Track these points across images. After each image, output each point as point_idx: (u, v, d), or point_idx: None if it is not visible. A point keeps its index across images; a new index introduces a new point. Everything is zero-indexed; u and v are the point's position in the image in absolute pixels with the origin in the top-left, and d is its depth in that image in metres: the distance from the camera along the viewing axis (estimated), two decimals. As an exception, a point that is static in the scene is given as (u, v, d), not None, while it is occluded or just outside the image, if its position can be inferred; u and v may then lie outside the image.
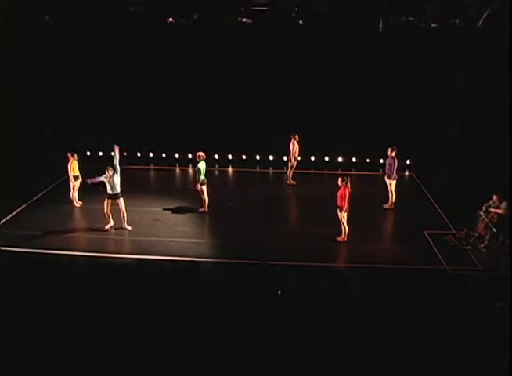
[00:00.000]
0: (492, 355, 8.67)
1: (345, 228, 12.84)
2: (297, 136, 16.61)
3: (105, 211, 13.38)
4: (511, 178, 12.98)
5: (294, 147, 16.68)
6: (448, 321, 9.65)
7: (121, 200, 13.39)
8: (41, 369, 8.42)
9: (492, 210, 12.47)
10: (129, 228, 13.58)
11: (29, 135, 17.98)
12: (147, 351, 8.75)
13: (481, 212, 12.70)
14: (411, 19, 15.90)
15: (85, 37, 17.76)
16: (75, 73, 18.38)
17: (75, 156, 14.89)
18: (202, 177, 14.33)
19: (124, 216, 13.49)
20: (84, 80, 18.40)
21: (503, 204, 12.30)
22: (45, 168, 17.23)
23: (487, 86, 16.06)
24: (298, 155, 16.93)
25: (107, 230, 13.50)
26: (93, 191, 14.60)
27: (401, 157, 15.48)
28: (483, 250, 12.53)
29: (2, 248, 12.28)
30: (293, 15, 16.35)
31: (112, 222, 13.58)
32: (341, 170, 17.94)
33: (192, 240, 13.13)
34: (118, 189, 13.30)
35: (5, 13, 16.36)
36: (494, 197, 12.46)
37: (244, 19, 16.50)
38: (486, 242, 12.61)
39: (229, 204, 15.37)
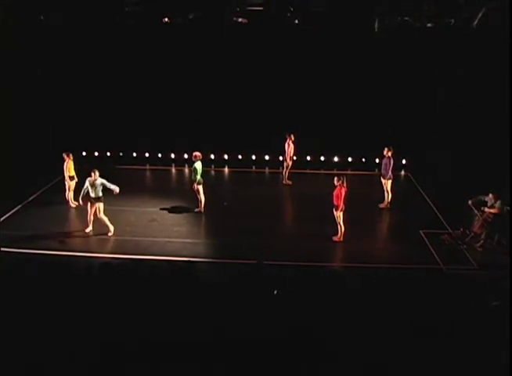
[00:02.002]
0: (490, 354, 8.69)
1: (341, 227, 12.85)
2: (292, 136, 16.63)
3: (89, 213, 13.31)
4: (511, 178, 12.99)
5: (290, 147, 16.69)
6: (445, 320, 9.66)
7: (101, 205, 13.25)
8: (40, 369, 8.40)
9: (486, 210, 12.51)
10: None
11: (26, 135, 17.97)
12: (144, 351, 8.74)
13: (471, 205, 12.71)
14: (406, 19, 15.94)
15: (82, 38, 17.75)
16: (72, 73, 18.35)
17: (71, 156, 14.83)
18: (198, 177, 14.33)
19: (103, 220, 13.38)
20: (81, 80, 18.38)
21: (497, 203, 12.34)
22: (43, 168, 17.16)
23: (484, 85, 16.11)
24: (294, 155, 16.95)
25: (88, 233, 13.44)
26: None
27: (396, 157, 15.51)
28: (479, 249, 12.57)
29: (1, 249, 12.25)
30: (289, 15, 16.34)
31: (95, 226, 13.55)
32: (337, 170, 17.97)
33: (189, 240, 13.13)
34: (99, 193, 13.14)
35: (5, 13, 16.33)
36: (490, 195, 12.50)
37: (240, 19, 16.51)
38: (482, 241, 12.65)
39: (225, 203, 15.37)
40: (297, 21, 17.01)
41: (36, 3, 16.55)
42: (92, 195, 13.05)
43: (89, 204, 13.19)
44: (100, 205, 13.13)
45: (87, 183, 13.05)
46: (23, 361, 8.56)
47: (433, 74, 17.46)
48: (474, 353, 8.76)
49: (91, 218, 13.32)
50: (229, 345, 8.96)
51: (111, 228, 13.30)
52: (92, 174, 13.02)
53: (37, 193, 16.03)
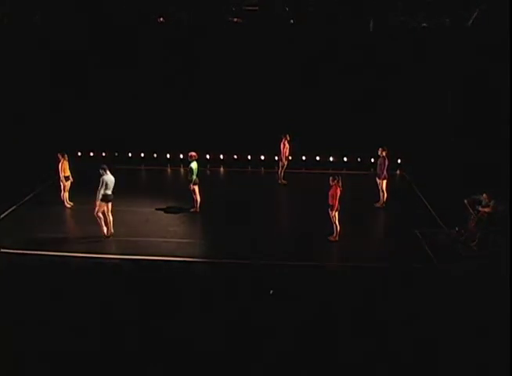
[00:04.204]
0: (488, 354, 8.73)
1: (337, 227, 12.87)
2: (288, 136, 16.68)
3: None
4: (511, 178, 13.03)
5: (285, 147, 16.74)
6: (441, 320, 9.70)
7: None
8: (39, 369, 8.40)
9: (481, 209, 12.55)
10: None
11: (22, 135, 17.94)
12: (140, 351, 8.74)
13: (467, 204, 12.75)
14: (402, 18, 15.99)
15: (78, 38, 17.71)
16: (68, 73, 18.31)
17: (66, 156, 14.80)
18: (194, 177, 14.32)
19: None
20: (77, 80, 18.34)
21: (492, 202, 12.38)
22: (38, 168, 17.10)
23: (481, 84, 16.15)
24: (289, 155, 16.99)
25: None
26: (84, 192, 14.57)
27: (392, 157, 15.55)
28: (474, 248, 12.60)
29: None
30: (285, 15, 16.36)
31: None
32: (332, 169, 17.99)
33: (184, 240, 13.11)
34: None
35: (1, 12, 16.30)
36: (484, 195, 12.54)
37: (235, 19, 16.52)
38: (477, 240, 12.68)
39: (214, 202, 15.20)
40: (292, 21, 17.01)
41: (32, 2, 16.51)
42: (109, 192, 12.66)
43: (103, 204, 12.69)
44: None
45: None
46: (22, 360, 8.56)
47: (428, 74, 17.51)
48: (472, 352, 8.81)
49: (110, 218, 12.96)
50: (226, 344, 8.97)
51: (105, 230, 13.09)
52: (103, 171, 12.54)
53: (32, 194, 15.97)
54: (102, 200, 12.58)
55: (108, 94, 18.32)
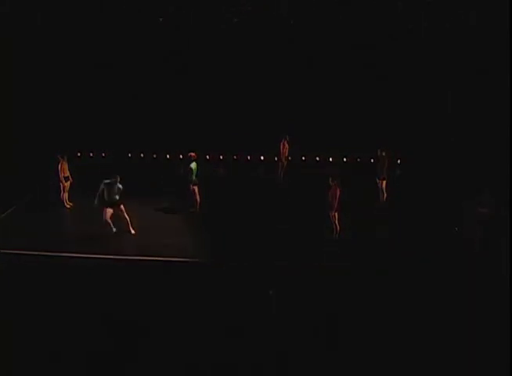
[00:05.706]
0: (488, 354, 8.73)
1: (337, 227, 12.88)
2: (287, 136, 16.68)
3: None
4: (511, 178, 13.03)
5: (285, 147, 16.76)
6: (441, 319, 9.69)
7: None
8: (38, 370, 8.41)
9: (480, 209, 12.54)
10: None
11: (21, 135, 17.94)
12: (139, 351, 8.74)
13: (466, 204, 12.76)
14: (402, 19, 16.01)
15: (76, 38, 17.72)
16: (65, 73, 18.32)
17: (65, 157, 14.80)
18: (193, 177, 14.32)
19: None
20: (75, 80, 18.35)
21: (491, 203, 12.38)
22: (37, 169, 17.09)
23: (481, 84, 16.15)
24: (289, 155, 16.99)
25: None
26: (83, 192, 14.57)
27: (392, 157, 15.54)
28: (474, 248, 12.59)
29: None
30: (285, 15, 16.38)
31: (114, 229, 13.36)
32: (332, 170, 17.96)
33: (184, 241, 13.10)
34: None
35: None
36: (484, 195, 12.54)
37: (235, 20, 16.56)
38: (476, 240, 12.67)
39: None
40: (292, 21, 17.04)
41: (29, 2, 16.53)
42: (117, 197, 13.04)
43: (109, 208, 13.06)
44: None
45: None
46: (22, 361, 8.55)
47: (428, 74, 17.51)
48: (471, 351, 8.80)
49: (113, 219, 13.23)
50: (226, 344, 8.96)
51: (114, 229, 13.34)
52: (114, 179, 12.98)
53: (32, 195, 15.97)
54: (101, 204, 12.96)
55: (108, 94, 18.32)
